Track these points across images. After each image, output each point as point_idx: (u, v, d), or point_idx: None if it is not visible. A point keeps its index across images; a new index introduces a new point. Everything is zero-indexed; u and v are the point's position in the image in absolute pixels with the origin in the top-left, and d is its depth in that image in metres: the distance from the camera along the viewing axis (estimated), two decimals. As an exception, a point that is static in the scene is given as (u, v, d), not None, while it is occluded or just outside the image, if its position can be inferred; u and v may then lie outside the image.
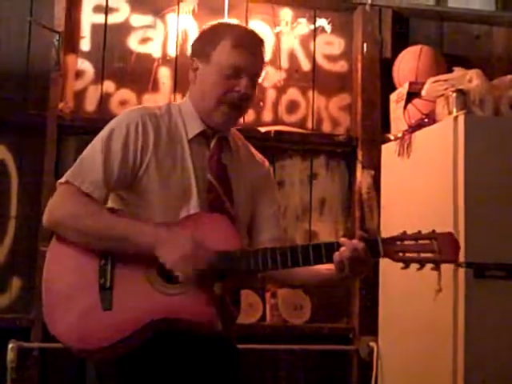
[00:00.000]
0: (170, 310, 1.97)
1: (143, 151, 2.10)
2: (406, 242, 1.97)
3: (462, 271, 3.25)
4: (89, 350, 1.98)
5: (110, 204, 2.16)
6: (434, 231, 1.97)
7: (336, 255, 1.96)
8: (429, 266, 1.96)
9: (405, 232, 1.99)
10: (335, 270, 2.00)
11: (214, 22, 2.30)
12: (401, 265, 1.99)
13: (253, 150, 2.39)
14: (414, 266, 1.97)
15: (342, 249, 1.96)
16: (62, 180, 2.07)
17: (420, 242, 1.97)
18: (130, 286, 2.00)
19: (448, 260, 1.95)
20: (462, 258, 3.23)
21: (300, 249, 2.00)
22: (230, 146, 2.26)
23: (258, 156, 2.39)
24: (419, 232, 1.98)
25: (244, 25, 4.09)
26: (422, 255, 1.95)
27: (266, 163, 2.40)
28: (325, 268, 2.08)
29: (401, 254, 1.97)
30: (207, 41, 2.20)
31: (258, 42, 2.22)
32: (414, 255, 1.96)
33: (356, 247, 1.95)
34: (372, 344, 4.01)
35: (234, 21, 4.15)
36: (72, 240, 2.04)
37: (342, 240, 1.99)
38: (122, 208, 2.14)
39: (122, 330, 1.95)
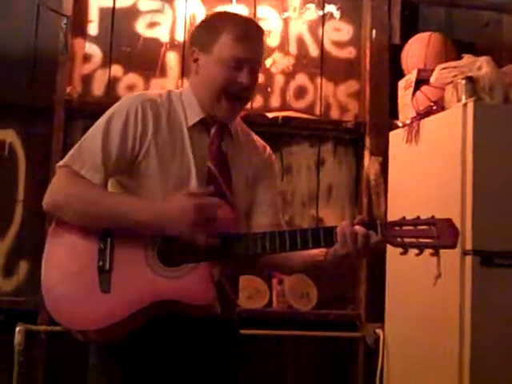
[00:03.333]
0: (168, 292, 1.98)
1: (142, 137, 2.11)
2: (405, 228, 2.00)
3: (468, 259, 3.26)
4: (88, 332, 1.99)
5: (109, 190, 2.18)
6: (433, 217, 1.99)
7: (339, 229, 2.00)
8: (428, 251, 1.96)
9: (404, 217, 2.01)
10: (338, 246, 2.01)
11: (215, 11, 2.31)
12: (400, 250, 2.00)
13: (254, 136, 2.40)
14: (412, 252, 1.97)
15: (344, 222, 2.01)
16: (61, 163, 2.10)
17: (419, 227, 1.99)
18: (129, 269, 2.01)
19: (446, 246, 1.97)
20: (468, 246, 3.25)
21: (299, 233, 2.03)
22: (231, 133, 2.26)
23: (260, 142, 2.39)
24: (418, 217, 2.00)
25: (246, 14, 4.12)
26: (421, 240, 1.97)
27: (268, 150, 2.40)
28: (320, 252, 2.11)
29: (399, 239, 1.98)
30: (208, 33, 2.21)
31: (259, 33, 2.23)
32: (413, 240, 1.98)
33: (356, 231, 1.98)
34: (378, 331, 4.01)
35: (241, 7, 4.19)
36: (72, 222, 2.05)
37: (342, 223, 2.02)
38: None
39: (119, 312, 1.96)
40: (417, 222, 1.99)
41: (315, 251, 2.10)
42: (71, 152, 2.11)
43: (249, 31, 2.19)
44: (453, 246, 1.98)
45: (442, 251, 1.98)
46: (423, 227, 1.98)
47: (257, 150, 2.35)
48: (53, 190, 2.07)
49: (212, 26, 2.21)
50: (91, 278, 1.99)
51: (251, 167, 2.30)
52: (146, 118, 2.12)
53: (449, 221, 1.99)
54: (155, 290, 1.98)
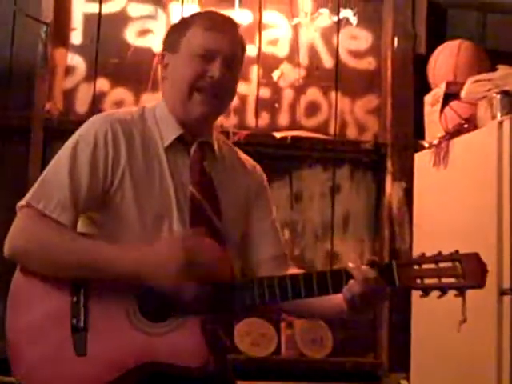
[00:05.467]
0: (154, 353, 1.94)
1: (114, 164, 2.07)
2: (425, 266, 1.94)
3: (507, 299, 3.23)
4: None
5: (79, 228, 2.12)
6: (456, 252, 1.94)
7: (345, 292, 1.93)
8: (452, 292, 1.93)
9: (423, 254, 1.96)
10: (345, 307, 1.97)
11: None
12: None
13: (242, 155, 2.35)
14: (434, 294, 1.94)
15: (351, 283, 1.93)
16: (22, 202, 2.03)
17: (441, 265, 1.94)
18: (106, 326, 1.96)
19: (473, 286, 1.92)
20: (507, 284, 3.23)
21: (302, 278, 1.98)
22: (214, 151, 2.23)
23: (249, 162, 2.35)
24: (440, 253, 1.95)
25: (250, 19, 4.28)
26: (444, 280, 1.92)
27: (258, 169, 2.36)
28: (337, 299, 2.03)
29: (419, 281, 1.95)
30: (176, 31, 2.21)
31: (233, 26, 2.22)
32: (435, 281, 1.93)
33: (366, 277, 1.92)
34: (403, 382, 3.99)
35: (245, 12, 4.20)
36: (37, 271, 2.01)
37: (350, 267, 1.95)
38: (94, 232, 2.11)
39: (98, 378, 1.92)
40: (438, 258, 1.93)
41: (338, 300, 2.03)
42: (33, 188, 2.05)
43: (219, 22, 2.18)
44: (481, 286, 1.93)
45: (471, 291, 1.96)
46: (446, 264, 1.92)
47: (245, 170, 2.31)
48: (13, 235, 2.01)
49: (181, 24, 2.23)
50: (64, 340, 1.95)
51: (241, 190, 2.26)
52: (118, 142, 2.07)
53: (475, 256, 1.93)
54: (139, 351, 1.93)
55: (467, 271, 1.91)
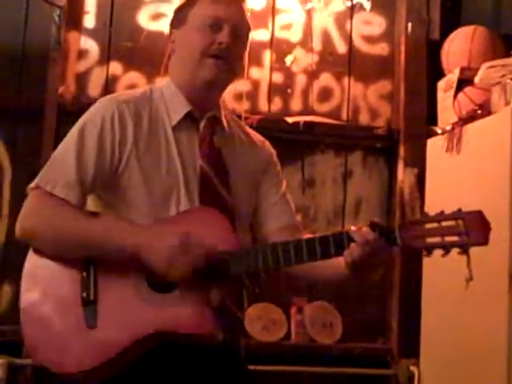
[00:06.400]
0: (162, 323, 1.97)
1: (121, 145, 2.10)
2: (428, 226, 1.95)
3: (519, 285, 3.22)
4: (74, 375, 1.97)
5: (89, 206, 2.17)
6: (459, 210, 1.94)
7: (346, 255, 1.95)
8: (455, 250, 1.93)
9: (426, 214, 1.97)
10: (347, 270, 2.00)
11: None
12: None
13: (250, 130, 2.39)
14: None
15: (352, 246, 1.94)
16: (32, 185, 2.08)
17: (444, 223, 1.94)
18: (115, 299, 2.01)
19: (476, 242, 1.92)
20: (518, 269, 3.21)
21: (305, 243, 1.99)
22: (223, 126, 2.25)
23: (257, 137, 2.38)
24: (442, 212, 1.95)
25: (263, 4, 4.27)
26: (447, 239, 1.92)
27: (267, 144, 2.38)
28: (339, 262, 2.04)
29: (422, 240, 1.94)
30: (183, 8, 2.26)
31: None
32: (437, 240, 1.93)
33: (366, 239, 1.92)
34: (413, 368, 3.98)
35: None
36: (47, 251, 2.06)
37: (352, 230, 1.96)
38: (103, 210, 2.15)
39: (107, 349, 1.96)
40: (441, 217, 1.94)
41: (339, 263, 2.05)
42: (42, 171, 2.10)
43: None
44: (484, 243, 1.92)
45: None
46: (448, 223, 1.93)
47: (254, 145, 2.34)
48: (23, 216, 2.06)
49: (186, 2, 2.26)
50: (75, 313, 1.99)
51: (250, 165, 2.28)
52: (125, 123, 2.11)
53: (478, 213, 1.92)
54: (146, 322, 1.97)
55: (470, 229, 1.91)
